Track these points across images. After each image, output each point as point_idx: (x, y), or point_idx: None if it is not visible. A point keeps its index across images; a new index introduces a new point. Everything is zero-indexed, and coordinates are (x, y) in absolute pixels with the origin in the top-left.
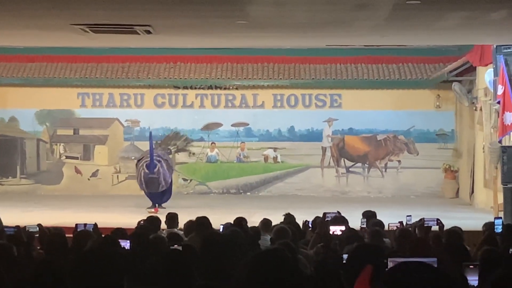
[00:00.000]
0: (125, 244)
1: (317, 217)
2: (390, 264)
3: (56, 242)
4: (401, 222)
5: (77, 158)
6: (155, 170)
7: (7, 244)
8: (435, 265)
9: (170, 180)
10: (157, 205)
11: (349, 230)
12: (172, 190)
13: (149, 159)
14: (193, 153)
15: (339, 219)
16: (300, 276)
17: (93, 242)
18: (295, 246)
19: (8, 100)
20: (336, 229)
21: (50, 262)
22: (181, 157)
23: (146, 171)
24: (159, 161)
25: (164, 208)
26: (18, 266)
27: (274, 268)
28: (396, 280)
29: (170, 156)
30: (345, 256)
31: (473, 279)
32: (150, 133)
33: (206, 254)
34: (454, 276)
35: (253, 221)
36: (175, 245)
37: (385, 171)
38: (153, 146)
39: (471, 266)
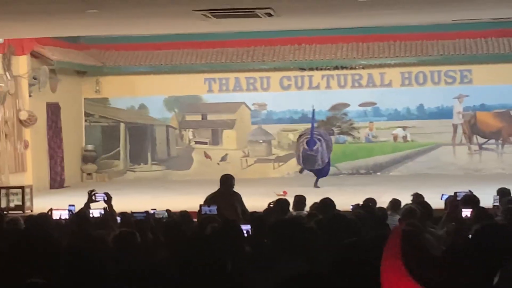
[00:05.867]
0: (246, 228)
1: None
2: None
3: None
4: None
5: (205, 143)
6: (315, 147)
7: (129, 231)
8: None
9: (327, 160)
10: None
11: (478, 209)
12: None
13: (309, 135)
14: (358, 136)
15: (470, 198)
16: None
17: (213, 227)
18: (422, 226)
19: (137, 88)
20: (467, 212)
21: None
22: None
23: (306, 147)
24: (319, 140)
25: (319, 187)
26: (142, 252)
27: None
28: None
29: (331, 136)
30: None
31: None
32: (313, 111)
33: (328, 236)
34: None
35: (383, 201)
36: None
37: None
38: (314, 124)
39: None
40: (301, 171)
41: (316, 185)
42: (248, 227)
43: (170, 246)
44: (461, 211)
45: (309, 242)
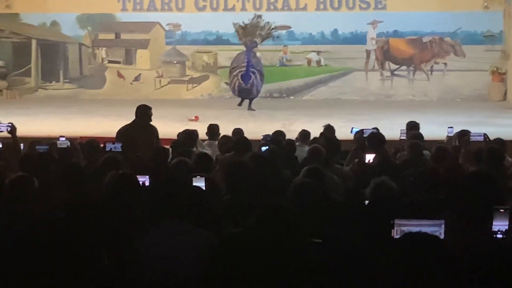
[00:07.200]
0: (144, 179)
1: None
2: (395, 226)
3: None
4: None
5: (119, 62)
6: (250, 81)
7: (23, 176)
8: (442, 227)
9: (260, 89)
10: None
11: (381, 157)
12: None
13: (244, 68)
14: (277, 37)
15: (375, 137)
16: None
17: (111, 178)
18: (324, 168)
19: (49, 4)
20: (370, 157)
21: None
22: (222, 61)
23: (241, 81)
24: (253, 73)
25: (254, 110)
26: (39, 199)
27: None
28: (402, 251)
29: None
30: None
31: (503, 224)
32: (249, 43)
33: (232, 187)
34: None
35: (294, 129)
36: (198, 176)
37: (431, 74)
38: (251, 56)
39: (501, 210)
40: (240, 104)
41: (250, 108)
42: (146, 178)
43: (69, 189)
44: (364, 155)
45: (198, 207)
